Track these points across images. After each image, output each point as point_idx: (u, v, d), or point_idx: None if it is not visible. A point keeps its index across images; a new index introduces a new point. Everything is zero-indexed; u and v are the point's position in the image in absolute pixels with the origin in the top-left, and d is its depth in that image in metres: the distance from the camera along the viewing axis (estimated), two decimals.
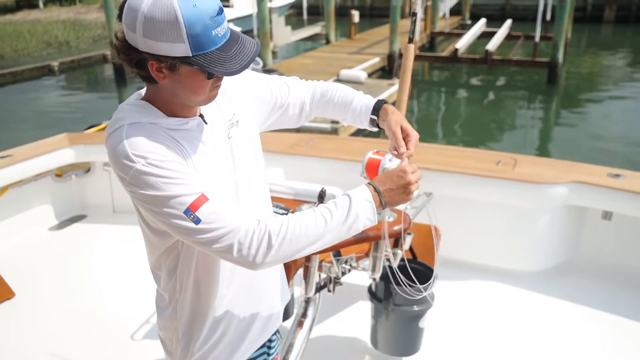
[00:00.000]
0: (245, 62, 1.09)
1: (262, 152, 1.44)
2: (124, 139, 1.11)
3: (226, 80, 1.29)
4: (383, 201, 1.23)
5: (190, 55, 1.06)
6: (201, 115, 1.24)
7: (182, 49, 1.05)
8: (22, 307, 3.07)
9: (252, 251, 1.11)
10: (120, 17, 1.09)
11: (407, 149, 1.39)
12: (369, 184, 1.26)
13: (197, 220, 1.09)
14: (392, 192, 1.25)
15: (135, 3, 1.05)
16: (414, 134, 1.41)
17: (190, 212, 1.09)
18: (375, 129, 1.53)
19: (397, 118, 1.43)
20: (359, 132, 8.97)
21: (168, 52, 1.06)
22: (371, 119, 1.50)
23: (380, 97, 1.59)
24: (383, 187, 1.24)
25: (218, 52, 1.08)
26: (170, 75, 1.11)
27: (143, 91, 1.25)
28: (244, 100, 1.37)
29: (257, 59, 12.12)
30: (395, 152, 1.40)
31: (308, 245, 1.16)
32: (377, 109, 1.48)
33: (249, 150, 1.36)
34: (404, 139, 1.40)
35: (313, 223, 1.16)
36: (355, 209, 1.19)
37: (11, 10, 30.16)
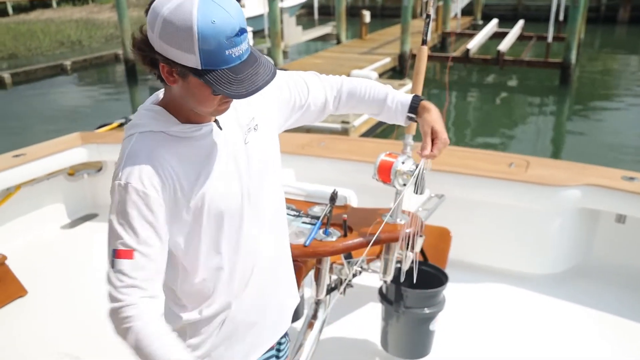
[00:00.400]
0: (253, 88, 1.07)
1: (279, 154, 1.43)
2: (127, 151, 1.17)
3: None
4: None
5: (199, 68, 1.05)
6: (216, 121, 1.24)
7: (192, 60, 1.05)
8: (34, 305, 3.09)
9: (115, 323, 1.16)
10: (147, 12, 1.09)
11: (432, 150, 1.42)
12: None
13: (112, 265, 1.14)
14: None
15: (160, 4, 1.05)
16: (442, 138, 1.44)
17: (114, 254, 1.14)
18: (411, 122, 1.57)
19: (430, 118, 1.47)
20: (370, 133, 8.96)
21: (179, 59, 1.06)
22: (408, 117, 1.52)
23: None
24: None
25: (228, 71, 1.06)
26: (180, 81, 1.11)
27: (161, 93, 1.25)
28: (263, 103, 1.36)
29: (268, 58, 12.13)
30: (419, 152, 1.44)
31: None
32: (414, 107, 1.50)
33: (267, 156, 1.35)
34: (432, 140, 1.43)
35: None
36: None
37: (25, 9, 30.46)
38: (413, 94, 1.55)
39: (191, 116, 1.19)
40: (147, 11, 1.09)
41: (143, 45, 1.10)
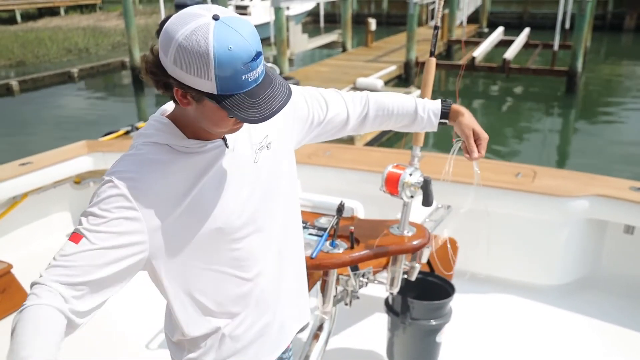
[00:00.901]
0: (268, 113, 1.05)
1: (295, 173, 1.41)
2: (125, 157, 1.17)
3: None
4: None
5: (215, 93, 1.04)
6: (224, 139, 1.22)
7: (207, 86, 1.03)
8: None
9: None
10: (158, 33, 1.07)
11: (479, 152, 1.49)
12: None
13: (64, 246, 1.09)
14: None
15: (173, 28, 1.03)
16: (485, 137, 1.51)
17: (69, 236, 1.10)
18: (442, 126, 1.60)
19: (468, 121, 1.51)
20: (376, 141, 8.96)
21: (194, 85, 1.04)
22: (441, 123, 1.56)
23: None
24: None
25: (244, 96, 1.04)
26: (194, 104, 1.10)
27: (170, 105, 1.24)
28: (279, 120, 1.33)
29: (274, 66, 12.18)
30: (467, 156, 1.50)
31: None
32: (446, 113, 1.54)
33: (278, 175, 1.32)
34: (475, 141, 1.49)
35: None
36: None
37: (33, 17, 30.75)
38: (440, 99, 1.58)
39: (200, 133, 1.18)
40: (158, 32, 1.07)
41: (156, 69, 1.08)
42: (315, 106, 1.44)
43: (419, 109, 1.53)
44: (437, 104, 1.55)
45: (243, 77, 1.03)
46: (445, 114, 1.54)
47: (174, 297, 1.25)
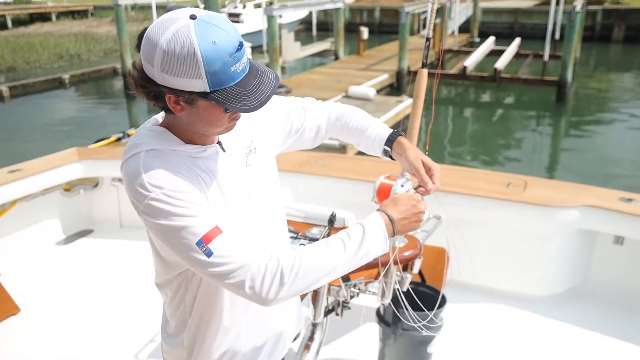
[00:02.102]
0: (263, 99, 1.07)
1: (278, 177, 1.42)
2: (141, 167, 1.10)
3: None
4: (395, 230, 1.23)
5: (208, 91, 1.04)
6: (219, 143, 1.23)
7: (200, 85, 1.03)
8: (27, 322, 3.05)
9: (264, 288, 1.10)
10: (138, 47, 1.07)
11: (434, 183, 1.39)
12: (381, 211, 1.24)
13: (209, 253, 1.07)
14: (405, 220, 1.25)
15: (154, 36, 1.03)
16: (436, 167, 1.41)
17: (202, 243, 1.07)
18: (387, 159, 1.52)
19: (415, 153, 1.42)
20: None
21: (185, 87, 1.04)
22: (384, 149, 1.48)
23: (389, 113, 1.58)
24: (397, 216, 1.23)
25: (236, 87, 1.06)
26: (188, 108, 1.10)
27: (160, 115, 1.23)
28: (261, 126, 1.36)
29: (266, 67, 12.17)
30: (422, 189, 1.38)
31: (320, 279, 1.15)
32: (391, 140, 1.47)
33: (266, 178, 1.34)
34: (426, 172, 1.39)
35: (326, 257, 1.15)
36: (368, 240, 1.18)
37: (24, 23, 30.62)
38: (393, 130, 1.52)
39: (195, 138, 1.18)
40: (138, 45, 1.07)
41: (144, 82, 1.07)
42: (293, 114, 1.46)
43: (370, 129, 1.50)
44: (385, 130, 1.49)
45: (232, 69, 1.04)
46: (390, 141, 1.46)
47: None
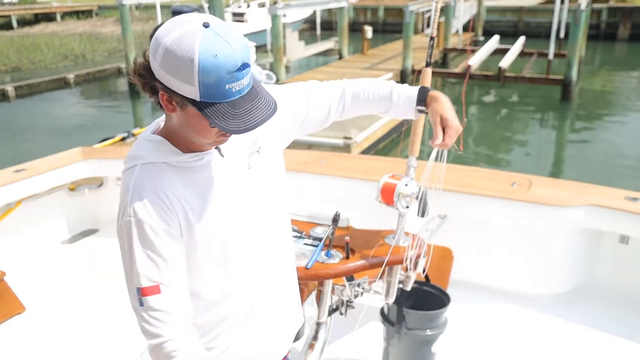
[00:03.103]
0: (251, 124, 1.06)
1: (285, 175, 1.41)
2: (131, 184, 1.15)
3: None
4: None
5: (198, 100, 1.04)
6: (218, 148, 1.22)
7: (191, 91, 1.03)
8: (32, 321, 3.07)
9: (152, 355, 1.19)
10: (151, 37, 1.08)
11: (444, 140, 1.40)
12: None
13: (140, 303, 1.15)
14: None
15: (163, 32, 1.04)
16: (454, 125, 1.41)
17: (139, 292, 1.14)
18: (420, 115, 1.53)
19: (439, 107, 1.44)
20: (372, 148, 8.97)
21: (178, 89, 1.05)
22: (418, 109, 1.49)
23: None
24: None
25: (227, 105, 1.05)
26: (179, 110, 1.10)
27: (162, 120, 1.24)
28: (266, 124, 1.35)
29: (271, 73, 12.19)
30: (431, 142, 1.42)
31: None
32: (422, 100, 1.47)
33: (270, 179, 1.33)
34: (443, 129, 1.40)
35: None
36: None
37: (29, 23, 30.74)
38: (420, 86, 1.52)
39: (192, 144, 1.18)
40: (151, 36, 1.09)
41: (144, 71, 1.09)
42: (299, 104, 1.43)
43: (394, 95, 1.49)
44: (414, 91, 1.49)
45: (227, 87, 1.03)
46: (421, 101, 1.47)
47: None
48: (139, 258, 1.13)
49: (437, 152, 1.58)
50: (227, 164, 1.23)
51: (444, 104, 1.44)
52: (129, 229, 1.13)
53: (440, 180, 1.67)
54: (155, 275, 1.13)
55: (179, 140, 1.18)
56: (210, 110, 1.04)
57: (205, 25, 1.02)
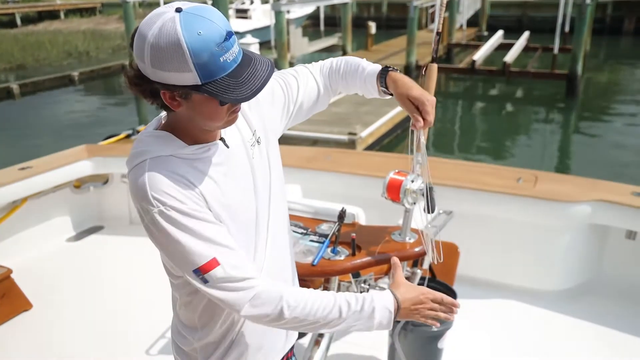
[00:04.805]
0: (256, 87, 1.05)
1: (282, 166, 1.41)
2: (145, 178, 1.11)
3: None
4: (397, 315, 1.24)
5: (200, 83, 1.03)
6: (222, 139, 1.22)
7: (190, 78, 1.02)
8: (39, 318, 3.08)
9: (262, 315, 1.15)
10: (132, 45, 1.06)
11: (424, 119, 1.36)
12: (393, 294, 1.23)
13: (205, 282, 1.12)
14: (409, 311, 1.25)
15: (143, 32, 1.03)
16: (425, 100, 1.36)
17: (199, 272, 1.11)
18: (388, 97, 1.46)
19: (400, 89, 1.38)
20: (377, 144, 8.95)
21: (177, 81, 1.03)
22: (383, 91, 1.43)
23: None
24: (405, 305, 1.23)
25: (228, 78, 1.04)
26: (185, 103, 1.09)
27: (163, 115, 1.23)
28: (261, 113, 1.34)
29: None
30: (413, 127, 1.39)
31: (313, 328, 1.19)
32: (383, 77, 1.41)
33: (270, 169, 1.33)
34: (417, 108, 1.36)
35: (328, 311, 1.17)
36: (375, 314, 1.21)
37: (33, 21, 30.78)
38: (384, 66, 1.44)
39: (198, 136, 1.17)
40: (131, 45, 1.07)
41: (138, 80, 1.07)
42: (290, 90, 1.42)
43: (359, 70, 1.45)
44: (376, 68, 1.43)
45: (221, 59, 1.03)
46: (382, 80, 1.40)
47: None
48: (184, 242, 1.10)
49: (416, 137, 1.54)
50: (233, 154, 1.23)
51: (406, 83, 1.38)
52: (160, 220, 1.10)
53: (425, 160, 1.66)
54: (205, 251, 1.10)
55: (184, 133, 1.17)
56: (214, 88, 1.03)
57: (178, 10, 1.02)
